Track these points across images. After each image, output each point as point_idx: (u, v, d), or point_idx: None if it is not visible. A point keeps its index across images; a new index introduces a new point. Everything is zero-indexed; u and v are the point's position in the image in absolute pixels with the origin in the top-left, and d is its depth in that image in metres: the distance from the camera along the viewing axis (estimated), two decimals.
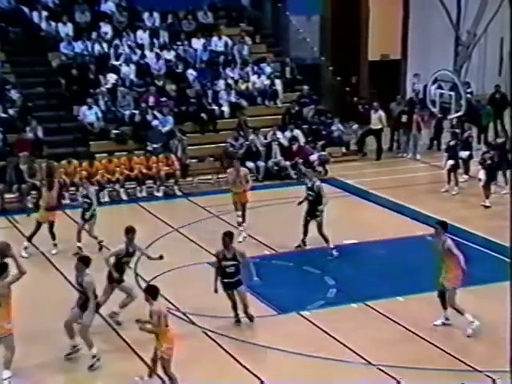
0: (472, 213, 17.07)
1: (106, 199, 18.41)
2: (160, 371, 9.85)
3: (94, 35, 22.42)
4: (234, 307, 11.80)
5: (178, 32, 23.51)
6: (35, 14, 22.38)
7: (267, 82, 22.83)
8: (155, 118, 20.84)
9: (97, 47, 22.21)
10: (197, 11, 24.18)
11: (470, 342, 11.25)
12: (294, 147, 20.78)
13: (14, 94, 20.31)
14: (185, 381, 9.90)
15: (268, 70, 23.25)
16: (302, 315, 12.15)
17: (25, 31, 21.95)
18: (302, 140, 21.21)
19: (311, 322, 11.91)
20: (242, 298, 11.62)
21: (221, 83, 22.33)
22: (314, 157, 20.61)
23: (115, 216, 17.11)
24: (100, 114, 20.54)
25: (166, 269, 13.82)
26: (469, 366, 10.55)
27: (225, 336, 11.34)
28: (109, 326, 11.91)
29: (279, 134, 21.13)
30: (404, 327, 11.69)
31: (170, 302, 12.56)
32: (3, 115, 19.93)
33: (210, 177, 19.94)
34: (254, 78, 22.89)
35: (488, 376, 10.23)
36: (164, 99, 21.35)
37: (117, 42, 22.45)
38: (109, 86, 21.33)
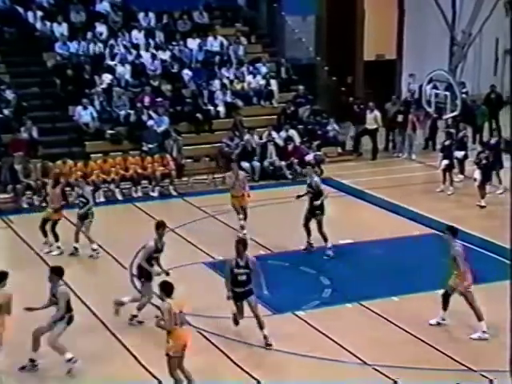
0: (467, 213, 17.09)
1: (102, 199, 18.39)
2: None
3: (89, 35, 22.40)
4: (236, 320, 11.35)
5: (174, 32, 23.51)
6: (30, 14, 22.36)
7: (263, 82, 22.84)
8: (150, 118, 20.82)
9: (92, 47, 22.19)
10: (192, 11, 24.18)
11: (465, 342, 11.25)
12: (290, 147, 20.79)
13: (9, 94, 20.28)
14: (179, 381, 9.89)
15: (263, 70, 23.25)
16: (297, 315, 12.15)
17: (19, 31, 21.92)
18: (297, 140, 21.22)
19: (306, 322, 11.91)
20: (252, 309, 11.08)
21: (216, 83, 22.32)
22: (309, 157, 20.62)
23: (110, 216, 17.09)
24: (95, 114, 20.52)
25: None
26: (464, 365, 10.56)
27: (220, 336, 11.32)
28: (105, 327, 11.88)
29: (275, 134, 21.14)
30: (399, 327, 11.70)
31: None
32: None
33: (205, 177, 19.94)
34: (249, 78, 22.89)
35: (483, 376, 10.23)
36: (159, 99, 21.33)
37: (112, 42, 22.44)
38: (104, 86, 21.31)
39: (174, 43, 23.21)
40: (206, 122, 21.50)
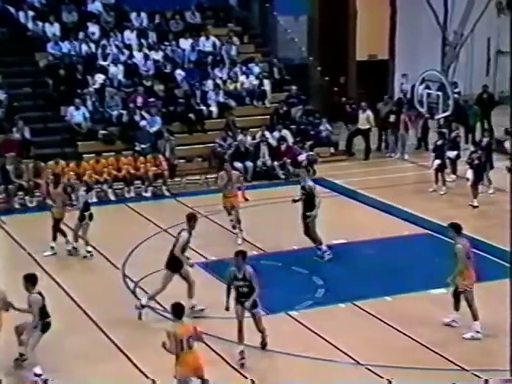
0: (459, 212, 17.10)
1: (94, 200, 18.32)
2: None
3: (81, 35, 22.35)
4: (241, 335, 10.79)
5: (166, 32, 23.48)
6: (21, 14, 22.29)
7: (255, 82, 22.83)
8: (143, 118, 20.79)
9: (84, 47, 22.14)
10: (184, 11, 24.15)
11: (458, 342, 11.26)
12: (283, 147, 20.79)
13: (1, 95, 20.23)
14: (174, 381, 9.86)
15: (256, 70, 23.25)
16: (290, 315, 12.15)
17: (11, 31, 21.85)
18: (290, 140, 21.23)
19: (299, 322, 11.91)
20: (256, 323, 10.83)
21: (209, 83, 22.31)
22: (302, 157, 20.62)
23: (103, 216, 16.99)
24: (87, 115, 20.47)
25: (155, 269, 13.78)
26: (457, 365, 10.57)
27: (214, 336, 11.30)
28: (96, 327, 11.86)
29: (267, 134, 21.14)
30: (392, 327, 11.71)
31: (158, 302, 12.54)
32: None
33: (198, 177, 19.92)
34: (242, 78, 22.88)
35: (475, 375, 10.25)
36: (152, 99, 21.30)
37: (104, 42, 22.39)
38: (96, 86, 21.27)
39: (166, 43, 23.18)
40: (198, 122, 21.48)
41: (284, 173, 20.36)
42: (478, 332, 11.30)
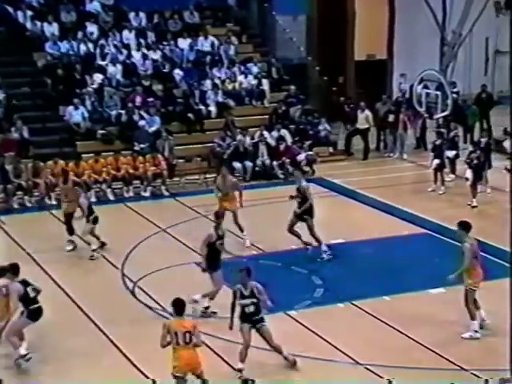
0: (458, 212, 17.08)
1: (93, 199, 18.33)
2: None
3: (79, 35, 22.34)
4: (245, 353, 10.34)
5: (165, 32, 23.47)
6: (20, 14, 22.27)
7: (254, 81, 22.83)
8: (142, 118, 20.79)
9: (83, 47, 22.12)
10: (183, 11, 24.14)
11: (457, 341, 11.26)
12: (282, 147, 20.79)
13: (0, 95, 20.19)
14: (173, 381, 9.86)
15: (255, 69, 23.25)
16: (289, 315, 12.15)
17: (9, 31, 21.83)
18: (289, 140, 21.23)
19: (298, 322, 11.92)
20: (267, 340, 10.38)
21: (208, 83, 22.30)
22: (301, 156, 20.63)
23: (102, 216, 16.96)
24: (86, 114, 20.47)
25: (154, 269, 13.79)
26: (456, 364, 10.58)
27: (213, 337, 11.30)
28: (95, 326, 11.87)
29: (266, 134, 21.14)
30: (391, 327, 11.71)
31: (157, 302, 12.54)
32: None
33: (197, 177, 19.92)
34: (241, 77, 22.88)
35: (475, 375, 10.26)
36: (151, 99, 21.30)
37: (103, 41, 22.38)
38: (95, 86, 21.25)
39: (164, 43, 23.17)
40: (197, 121, 21.48)
41: (283, 172, 20.36)
42: (476, 331, 11.31)
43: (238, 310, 10.42)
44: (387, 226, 16.37)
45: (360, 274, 13.72)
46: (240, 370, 10.30)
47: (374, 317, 12.05)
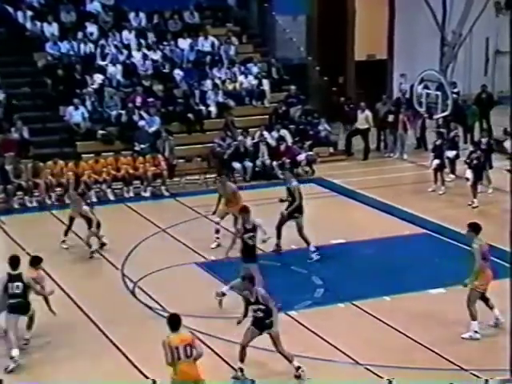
0: (459, 212, 17.13)
1: (93, 199, 18.32)
2: None
3: (79, 35, 22.34)
4: (243, 353, 10.36)
5: (165, 32, 23.47)
6: (20, 14, 22.28)
7: (254, 82, 22.83)
8: (142, 118, 20.79)
9: (83, 47, 22.13)
10: (183, 11, 24.15)
11: (457, 342, 11.26)
12: (282, 147, 20.79)
13: (0, 95, 20.20)
14: None
15: (255, 70, 23.25)
16: (289, 315, 12.14)
17: (9, 31, 21.84)
18: (289, 140, 21.22)
19: (299, 322, 11.91)
20: (275, 345, 10.29)
21: (208, 83, 22.31)
22: (301, 157, 20.63)
23: (102, 216, 16.97)
24: (86, 115, 20.47)
25: (154, 269, 13.80)
26: (456, 365, 10.58)
27: (213, 337, 11.32)
28: (95, 326, 11.87)
29: (266, 134, 21.14)
30: (391, 327, 11.71)
31: (157, 303, 12.55)
32: None
33: (197, 177, 19.92)
34: (241, 78, 22.88)
35: (474, 375, 10.26)
36: (151, 99, 21.30)
37: (103, 42, 22.39)
38: (95, 86, 21.26)
39: (165, 43, 23.17)
40: (197, 122, 21.48)
41: (282, 172, 20.33)
42: (476, 332, 11.30)
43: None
44: (387, 226, 16.37)
45: (360, 274, 13.72)
46: (241, 369, 10.31)
47: (374, 317, 12.05)
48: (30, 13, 22.37)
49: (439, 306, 12.30)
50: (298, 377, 10.31)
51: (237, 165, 20.03)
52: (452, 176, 19.63)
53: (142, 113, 20.85)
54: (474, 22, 24.11)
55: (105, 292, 13.18)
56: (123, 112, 20.80)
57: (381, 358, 10.68)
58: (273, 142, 21.02)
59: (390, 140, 22.81)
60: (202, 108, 21.75)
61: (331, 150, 22.43)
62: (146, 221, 16.88)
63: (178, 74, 22.40)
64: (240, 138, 20.72)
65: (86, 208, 15.01)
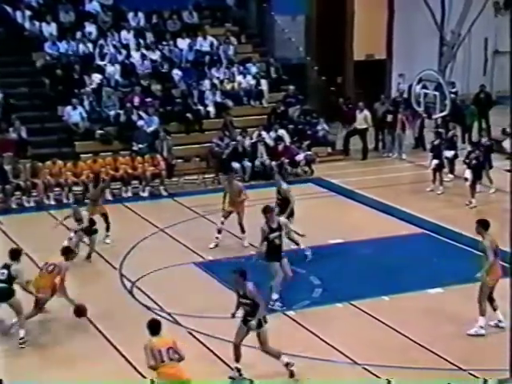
0: (457, 212, 17.14)
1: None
2: None
3: (78, 35, 22.34)
4: (238, 353, 10.30)
5: (163, 32, 23.47)
6: (19, 14, 22.28)
7: (253, 81, 22.83)
8: (140, 118, 20.78)
9: (81, 47, 22.13)
10: (182, 11, 24.15)
11: (455, 341, 11.26)
12: (280, 147, 20.79)
13: None
14: None
15: (253, 69, 23.25)
16: (287, 315, 12.14)
17: (8, 31, 21.84)
18: (287, 140, 21.22)
19: (297, 322, 11.91)
20: (260, 343, 10.22)
21: (206, 83, 22.31)
22: (300, 157, 20.63)
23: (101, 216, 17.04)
24: (85, 114, 20.47)
25: (152, 269, 13.79)
26: (454, 364, 10.58)
27: (210, 336, 11.31)
28: (93, 326, 11.86)
29: (265, 134, 21.13)
30: (389, 326, 11.71)
31: (155, 303, 12.54)
32: None
33: (195, 177, 19.92)
34: (239, 78, 22.87)
35: (473, 375, 10.26)
36: (149, 99, 21.30)
37: (101, 41, 22.38)
38: (94, 86, 21.25)
39: (163, 43, 23.17)
40: (196, 122, 21.48)
41: (281, 173, 20.32)
42: (481, 327, 11.29)
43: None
44: (386, 226, 16.37)
45: (358, 274, 13.71)
46: (238, 369, 10.29)
47: (373, 317, 12.05)
48: (28, 12, 22.37)
49: (437, 305, 12.30)
50: (292, 375, 10.27)
51: (236, 165, 20.02)
52: (451, 176, 19.63)
53: (141, 113, 20.84)
54: (472, 22, 24.13)
55: (103, 292, 13.17)
56: (121, 112, 20.79)
57: (379, 358, 10.68)
58: (271, 142, 21.02)
59: (389, 140, 22.81)
60: (201, 108, 21.75)
61: (329, 149, 22.43)
62: (144, 221, 16.88)
63: (176, 73, 22.40)
64: (238, 137, 20.72)
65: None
